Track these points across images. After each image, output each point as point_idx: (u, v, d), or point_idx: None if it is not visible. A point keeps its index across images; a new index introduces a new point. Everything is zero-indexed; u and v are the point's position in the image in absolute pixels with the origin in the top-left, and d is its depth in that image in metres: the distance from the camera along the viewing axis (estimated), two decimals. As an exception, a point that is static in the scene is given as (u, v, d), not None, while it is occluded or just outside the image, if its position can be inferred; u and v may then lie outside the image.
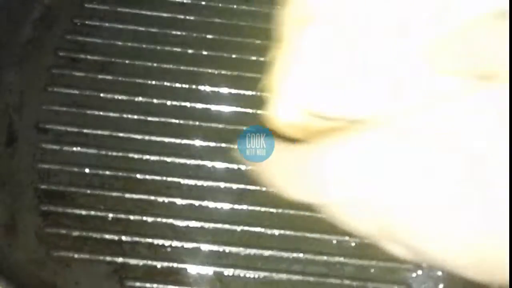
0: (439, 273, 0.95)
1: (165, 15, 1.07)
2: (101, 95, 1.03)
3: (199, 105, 1.01)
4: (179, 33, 1.06)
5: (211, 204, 0.96)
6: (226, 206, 0.96)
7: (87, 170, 0.98)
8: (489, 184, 0.59)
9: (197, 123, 1.00)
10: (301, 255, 0.95)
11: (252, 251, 0.95)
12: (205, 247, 0.94)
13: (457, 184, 0.60)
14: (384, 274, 0.95)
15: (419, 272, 0.95)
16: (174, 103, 1.01)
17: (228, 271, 0.93)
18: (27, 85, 1.04)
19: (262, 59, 1.02)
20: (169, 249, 0.94)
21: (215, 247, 0.94)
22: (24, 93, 1.04)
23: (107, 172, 0.97)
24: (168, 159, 0.98)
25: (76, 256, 0.93)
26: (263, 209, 0.96)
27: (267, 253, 0.95)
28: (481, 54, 0.62)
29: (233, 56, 1.04)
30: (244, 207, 0.96)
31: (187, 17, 1.07)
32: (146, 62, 1.03)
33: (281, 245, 0.95)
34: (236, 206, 0.96)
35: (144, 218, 0.96)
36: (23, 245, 0.93)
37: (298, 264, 0.95)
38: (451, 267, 0.65)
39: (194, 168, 0.98)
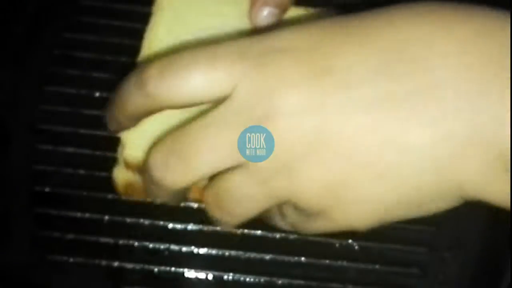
0: (445, 277, 0.93)
1: (163, 11, 1.04)
2: (98, 94, 1.02)
3: (198, 104, 0.99)
4: (177, 30, 1.03)
5: (210, 206, 0.94)
6: (226, 208, 0.94)
7: (82, 172, 0.96)
8: None
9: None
10: (302, 258, 0.93)
11: (252, 255, 0.93)
12: (204, 250, 0.92)
13: None
14: (388, 279, 0.93)
15: (424, 276, 0.93)
16: (172, 102, 0.98)
17: (228, 276, 0.91)
18: (21, 83, 1.02)
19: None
20: (166, 253, 0.92)
21: (214, 251, 0.92)
22: (18, 92, 1.01)
23: (103, 174, 0.94)
24: (166, 160, 0.95)
25: (71, 260, 0.91)
26: (263, 211, 0.94)
27: (267, 256, 0.93)
28: None
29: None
30: (244, 209, 0.94)
31: (186, 14, 1.05)
32: (143, 60, 1.01)
33: (282, 248, 0.93)
34: (236, 208, 0.94)
35: (141, 220, 0.93)
36: (17, 249, 0.91)
37: (299, 268, 0.93)
38: None
39: (192, 169, 0.95)
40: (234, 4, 0.99)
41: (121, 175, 0.90)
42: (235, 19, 1.00)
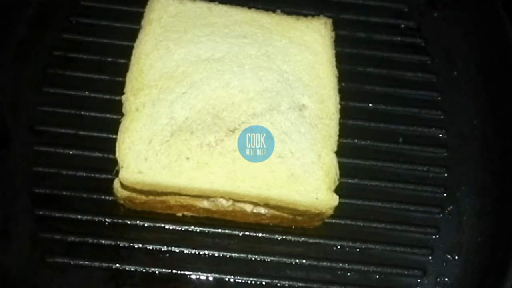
0: (447, 279, 0.93)
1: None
2: (98, 95, 1.02)
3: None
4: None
5: (211, 208, 0.94)
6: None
7: (82, 173, 0.95)
8: None
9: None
10: (304, 261, 0.92)
11: (254, 257, 0.92)
12: (205, 252, 0.92)
13: None
14: (389, 281, 0.93)
15: (425, 278, 0.93)
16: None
17: (229, 278, 0.91)
18: (21, 85, 1.02)
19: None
20: (167, 255, 0.92)
21: (215, 253, 0.92)
22: (18, 93, 1.01)
23: (104, 175, 0.94)
24: (167, 162, 0.95)
25: (71, 262, 0.90)
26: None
27: (268, 258, 0.92)
28: None
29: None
30: (245, 211, 0.94)
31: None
32: (144, 61, 1.01)
33: (283, 250, 0.93)
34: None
35: (142, 222, 0.93)
36: (17, 251, 0.90)
37: (301, 271, 0.92)
38: None
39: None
40: (221, 15, 1.00)
41: (120, 190, 0.91)
42: (223, 28, 1.00)
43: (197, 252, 0.92)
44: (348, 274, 0.93)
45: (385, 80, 1.06)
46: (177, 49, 0.94)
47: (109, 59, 1.04)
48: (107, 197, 0.94)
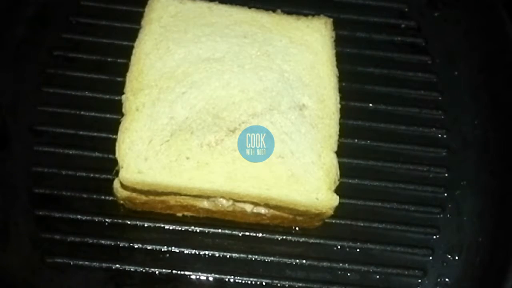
0: (447, 279, 0.93)
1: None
2: (98, 95, 1.01)
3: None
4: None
5: (211, 208, 0.94)
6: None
7: (83, 173, 0.95)
8: None
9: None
10: (304, 261, 0.92)
11: (254, 257, 0.92)
12: (205, 253, 0.92)
13: None
14: (390, 281, 0.93)
15: (426, 278, 0.93)
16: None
17: (229, 278, 0.91)
18: (21, 85, 1.02)
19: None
20: (167, 255, 0.91)
21: (215, 253, 0.92)
22: (18, 93, 1.01)
23: (104, 175, 0.94)
24: (167, 162, 0.95)
25: (71, 262, 0.90)
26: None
27: (269, 259, 0.92)
28: None
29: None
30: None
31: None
32: (144, 61, 1.00)
33: (284, 250, 0.93)
34: (237, 210, 0.94)
35: (142, 222, 0.93)
36: (17, 251, 0.90)
37: (301, 271, 0.92)
38: None
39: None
40: (221, 14, 1.00)
41: (120, 190, 0.91)
42: (223, 27, 1.00)
43: (197, 252, 0.92)
44: (349, 274, 0.93)
45: (385, 80, 1.06)
46: (177, 49, 0.94)
47: (109, 59, 1.04)
48: (107, 197, 0.94)
